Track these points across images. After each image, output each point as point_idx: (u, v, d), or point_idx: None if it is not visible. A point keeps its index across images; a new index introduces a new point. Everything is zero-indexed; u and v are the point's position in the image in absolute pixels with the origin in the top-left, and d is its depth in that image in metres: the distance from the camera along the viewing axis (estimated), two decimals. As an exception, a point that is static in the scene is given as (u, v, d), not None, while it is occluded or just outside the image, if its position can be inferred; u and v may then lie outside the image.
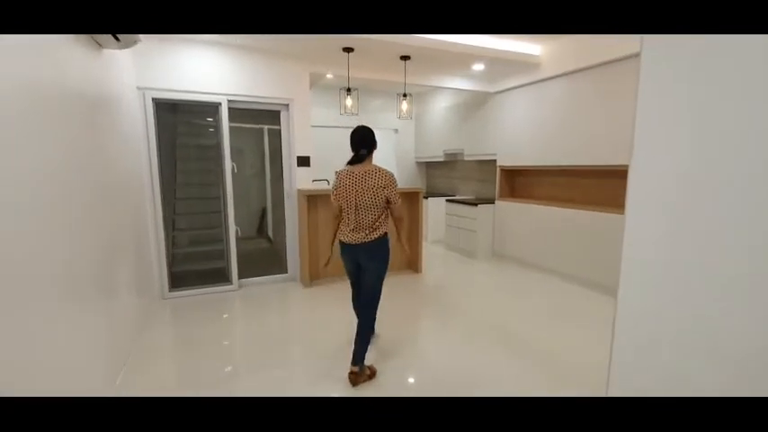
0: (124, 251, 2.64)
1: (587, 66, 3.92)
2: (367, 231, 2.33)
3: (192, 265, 4.59)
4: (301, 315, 3.50)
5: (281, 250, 4.57)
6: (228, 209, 3.86)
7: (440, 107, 6.49)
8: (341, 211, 2.43)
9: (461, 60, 4.26)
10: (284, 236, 4.32)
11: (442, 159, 6.53)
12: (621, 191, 4.09)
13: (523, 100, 4.78)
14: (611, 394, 1.60)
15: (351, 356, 2.29)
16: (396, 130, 7.15)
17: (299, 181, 4.12)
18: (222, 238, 4.06)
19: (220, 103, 3.70)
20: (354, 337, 2.33)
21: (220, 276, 4.11)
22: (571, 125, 4.21)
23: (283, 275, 4.29)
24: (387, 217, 2.42)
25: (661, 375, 1.42)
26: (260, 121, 5.30)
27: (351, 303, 2.74)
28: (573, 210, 4.19)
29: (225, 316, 3.41)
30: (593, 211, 3.97)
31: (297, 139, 4.04)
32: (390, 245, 2.44)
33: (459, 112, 5.96)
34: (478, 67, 4.48)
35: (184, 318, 3.35)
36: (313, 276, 4.22)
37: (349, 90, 3.76)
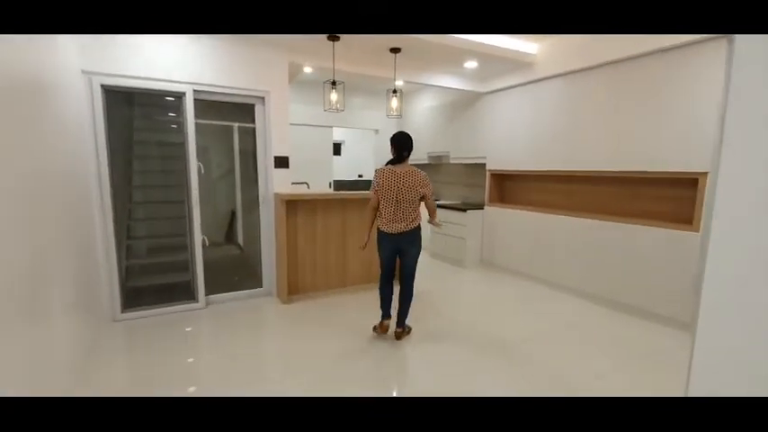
0: (59, 265, 2.12)
1: (586, 66, 3.72)
2: (407, 222, 2.77)
3: (152, 279, 4.02)
4: (281, 339, 3.04)
5: (254, 259, 4.09)
6: (194, 214, 3.35)
7: (424, 107, 6.19)
8: (378, 203, 2.80)
9: (454, 56, 3.97)
10: (258, 244, 3.85)
11: (425, 162, 6.22)
12: (619, 198, 3.95)
13: (516, 101, 4.55)
14: (691, 395, 1.46)
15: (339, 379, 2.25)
16: (376, 131, 6.79)
17: (276, 184, 3.67)
18: (187, 248, 3.54)
19: (184, 93, 3.20)
20: (398, 306, 2.91)
21: (184, 292, 3.59)
22: (567, 129, 4.00)
23: (258, 290, 3.81)
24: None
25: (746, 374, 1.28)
26: (229, 118, 4.81)
27: (337, 319, 3.02)
28: (569, 217, 3.97)
29: (189, 341, 2.90)
30: (590, 219, 3.77)
31: (274, 136, 3.60)
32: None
33: (445, 112, 5.68)
34: (471, 64, 4.20)
35: (139, 345, 2.83)
36: (292, 290, 3.77)
37: (334, 83, 3.36)
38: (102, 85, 2.97)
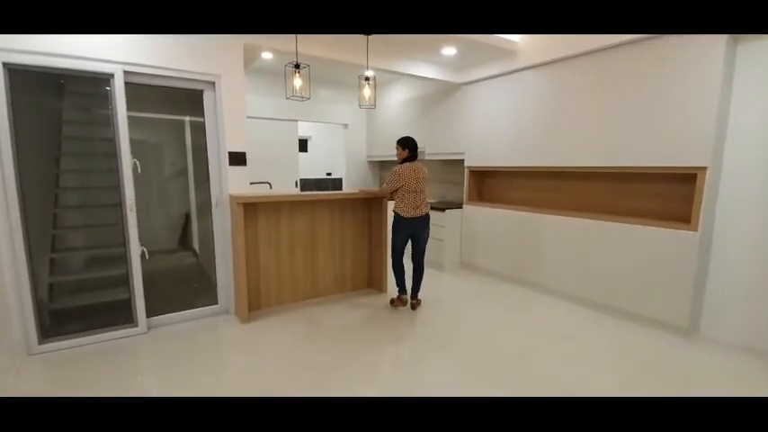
0: None
1: (572, 54, 3.46)
2: (422, 208, 3.35)
3: (84, 298, 3.38)
4: (234, 370, 2.55)
5: (211, 268, 3.56)
6: (129, 221, 2.79)
7: (397, 100, 5.80)
8: (393, 194, 3.38)
9: (431, 42, 3.60)
10: (213, 255, 3.32)
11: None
12: (610, 196, 3.73)
13: (497, 92, 4.25)
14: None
15: None
16: (345, 125, 6.34)
17: (232, 184, 3.16)
18: (125, 260, 2.96)
19: (113, 75, 2.63)
20: (413, 282, 3.51)
21: (121, 314, 3.01)
22: (552, 122, 3.73)
23: (212, 307, 3.29)
24: None
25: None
26: (181, 111, 4.22)
27: (307, 339, 2.48)
28: (556, 216, 3.71)
29: (116, 379, 2.36)
30: (579, 218, 3.52)
31: (228, 129, 3.08)
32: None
33: (420, 105, 5.32)
34: (449, 51, 3.85)
35: (59, 384, 2.25)
36: (253, 306, 3.28)
37: (297, 66, 2.90)
38: (5, 64, 2.36)
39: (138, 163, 2.82)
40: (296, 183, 5.89)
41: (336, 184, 7.54)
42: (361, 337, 2.89)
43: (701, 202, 2.78)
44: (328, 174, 7.74)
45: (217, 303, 3.29)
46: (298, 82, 2.91)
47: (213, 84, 3.01)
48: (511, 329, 3.06)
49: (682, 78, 2.83)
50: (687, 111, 2.81)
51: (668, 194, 3.16)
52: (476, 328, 3.09)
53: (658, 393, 2.21)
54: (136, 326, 2.92)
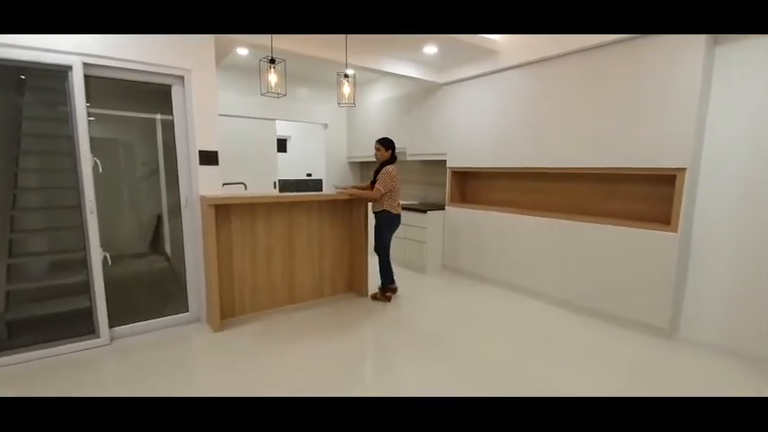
0: None
1: (553, 55, 3.44)
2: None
3: (41, 307, 3.15)
4: (206, 384, 2.39)
5: (184, 274, 3.38)
6: (89, 224, 2.60)
7: (377, 100, 5.71)
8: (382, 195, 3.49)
9: (412, 40, 3.52)
10: (183, 259, 3.14)
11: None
12: (592, 197, 3.71)
13: (478, 92, 4.20)
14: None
15: None
16: (325, 125, 6.21)
17: (203, 184, 3.00)
18: (86, 266, 2.77)
19: (70, 67, 2.45)
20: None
21: (82, 324, 2.80)
22: (534, 123, 3.70)
23: (183, 316, 3.11)
24: None
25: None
26: (151, 108, 4.02)
27: (282, 347, 2.23)
28: (538, 218, 3.69)
29: (82, 396, 2.18)
30: (561, 219, 3.50)
31: (198, 126, 2.92)
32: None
33: (400, 105, 5.24)
34: (430, 49, 3.78)
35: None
36: (226, 314, 3.13)
37: (273, 61, 2.77)
38: (-53, 53, 2.16)
39: (98, 162, 2.64)
40: (274, 183, 5.73)
41: (317, 185, 7.40)
42: (342, 344, 2.78)
43: (680, 204, 2.79)
44: (308, 174, 7.59)
45: (187, 311, 3.12)
46: (273, 78, 2.78)
47: (182, 79, 2.85)
48: (494, 333, 3.00)
49: (662, 80, 2.82)
50: (667, 112, 2.81)
51: (649, 196, 3.16)
52: (460, 331, 3.01)
53: (640, 395, 2.18)
54: (98, 337, 2.72)
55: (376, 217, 3.62)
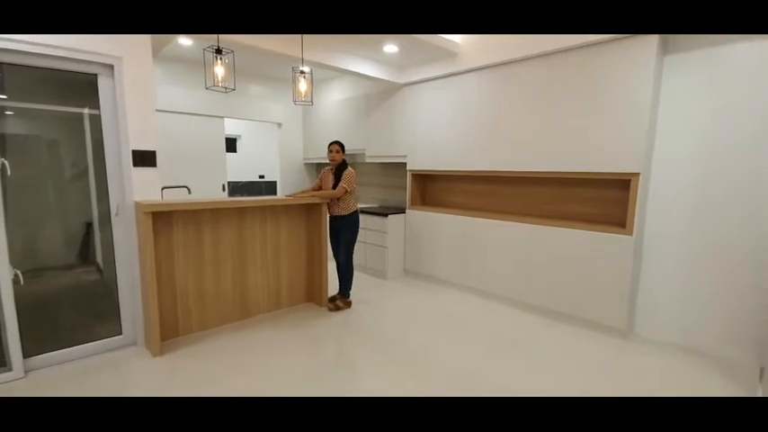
0: None
1: (512, 59, 3.44)
2: None
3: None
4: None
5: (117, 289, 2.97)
6: (-5, 239, 2.18)
7: (335, 100, 5.49)
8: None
9: (372, 38, 3.38)
10: (116, 274, 2.76)
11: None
12: (551, 200, 3.73)
13: (439, 94, 4.14)
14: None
15: None
16: (279, 125, 5.89)
17: (138, 188, 2.64)
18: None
19: (-36, 49, 2.03)
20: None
21: (-13, 355, 2.36)
22: (493, 126, 3.69)
23: (116, 339, 2.73)
24: None
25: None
26: (80, 102, 3.53)
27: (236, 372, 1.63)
28: (498, 221, 3.68)
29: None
30: (520, 222, 3.51)
31: (132, 123, 2.57)
32: None
33: (359, 105, 5.07)
34: (391, 48, 3.65)
35: None
36: (169, 334, 2.79)
37: (220, 51, 2.49)
38: None
39: (6, 163, 2.22)
40: (223, 186, 5.33)
41: (270, 187, 7.03)
42: (300, 359, 2.55)
43: (635, 207, 2.87)
44: (261, 176, 7.20)
45: (121, 333, 2.74)
46: (220, 70, 2.50)
47: (111, 67, 2.49)
48: (456, 338, 2.92)
49: (616, 85, 2.89)
50: (621, 118, 2.88)
51: (605, 199, 3.24)
52: (422, 338, 2.90)
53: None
54: (9, 370, 2.30)
55: (344, 221, 3.44)
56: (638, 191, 2.84)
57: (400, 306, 3.68)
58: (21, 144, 2.66)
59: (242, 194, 6.72)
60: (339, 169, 3.44)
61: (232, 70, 2.56)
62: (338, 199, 3.40)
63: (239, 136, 6.99)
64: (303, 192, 3.53)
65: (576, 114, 3.12)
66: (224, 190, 5.33)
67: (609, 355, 2.71)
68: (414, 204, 4.59)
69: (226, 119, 5.30)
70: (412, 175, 4.55)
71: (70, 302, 3.43)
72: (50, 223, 3.92)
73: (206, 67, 2.52)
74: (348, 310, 3.50)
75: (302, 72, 2.92)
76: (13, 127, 2.60)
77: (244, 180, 6.98)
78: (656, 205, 2.93)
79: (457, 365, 2.54)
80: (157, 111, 4.59)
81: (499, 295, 3.73)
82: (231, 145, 6.88)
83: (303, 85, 2.93)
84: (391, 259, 4.47)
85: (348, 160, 3.60)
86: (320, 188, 3.55)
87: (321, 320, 3.27)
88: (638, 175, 2.84)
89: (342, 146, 3.48)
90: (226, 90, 2.58)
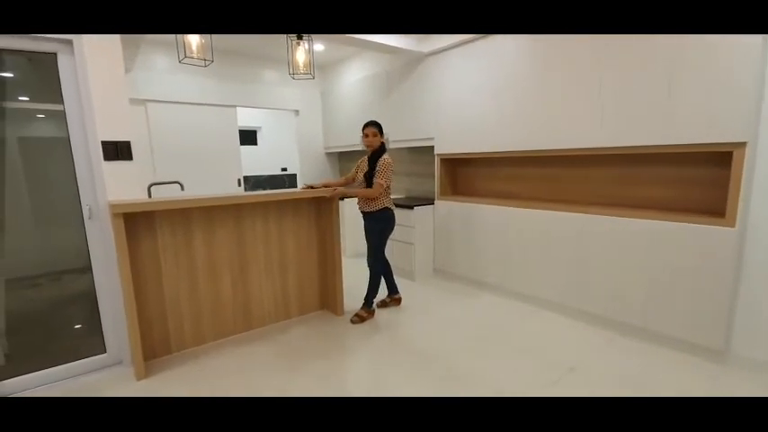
0: None
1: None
2: None
3: None
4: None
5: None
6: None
7: (354, 80, 4.97)
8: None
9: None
10: (94, 286, 2.42)
11: (359, 148, 5.03)
12: (617, 185, 2.67)
13: (470, 61, 3.49)
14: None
15: None
16: (296, 112, 5.47)
17: (112, 187, 2.26)
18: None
19: None
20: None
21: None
22: (538, 95, 3.02)
23: (99, 358, 2.40)
24: None
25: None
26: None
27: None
28: (548, 212, 3.02)
29: None
30: (578, 213, 2.84)
31: (99, 108, 2.18)
32: None
33: (379, 83, 4.51)
34: (410, 8, 3.05)
35: None
36: (158, 352, 2.43)
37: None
38: None
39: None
40: (239, 181, 4.98)
41: (294, 180, 6.66)
42: (313, 382, 2.10)
43: (738, 190, 2.14)
44: (283, 169, 6.85)
45: (105, 351, 2.40)
46: (194, 39, 2.05)
47: (71, 43, 2.09)
48: (498, 356, 2.35)
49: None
50: (718, 71, 2.14)
51: (693, 179, 2.51)
52: (463, 355, 2.35)
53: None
54: (-28, 398, 2.01)
55: (371, 218, 2.92)
56: (744, 167, 2.11)
57: (433, 314, 3.12)
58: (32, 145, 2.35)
59: (264, 189, 6.40)
60: (374, 156, 2.88)
61: (209, 40, 2.09)
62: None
63: (259, 128, 6.65)
64: (326, 183, 3.03)
65: (651, 71, 2.39)
66: (240, 185, 4.99)
67: (701, 385, 2.04)
68: (444, 194, 4.00)
69: (239, 108, 4.93)
70: (441, 160, 3.95)
71: (50, 316, 3.12)
72: (31, 226, 3.66)
73: (177, 38, 2.07)
74: (371, 319, 3.01)
75: (299, 38, 2.41)
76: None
77: (266, 174, 6.66)
78: (763, 187, 2.17)
79: (494, 390, 1.97)
80: (162, 102, 4.29)
81: (550, 301, 3.08)
82: (251, 137, 6.56)
83: (301, 55, 2.42)
84: (419, 257, 3.93)
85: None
86: (353, 180, 3.04)
87: (336, 331, 2.80)
88: (743, 145, 2.10)
89: (379, 127, 2.89)
90: (205, 63, 2.13)
